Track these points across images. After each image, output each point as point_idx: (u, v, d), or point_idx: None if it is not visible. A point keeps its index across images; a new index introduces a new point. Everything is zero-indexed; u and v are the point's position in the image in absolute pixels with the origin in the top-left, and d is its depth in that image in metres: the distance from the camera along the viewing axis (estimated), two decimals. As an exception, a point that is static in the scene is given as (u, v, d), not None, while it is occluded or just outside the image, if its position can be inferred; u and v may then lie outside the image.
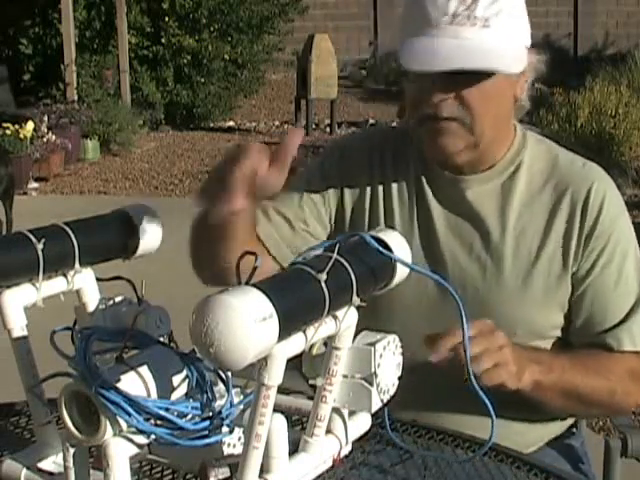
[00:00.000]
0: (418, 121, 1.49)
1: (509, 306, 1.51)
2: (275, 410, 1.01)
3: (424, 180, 1.58)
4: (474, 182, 1.55)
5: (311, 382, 1.13)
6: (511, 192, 1.55)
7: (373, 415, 1.20)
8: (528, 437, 1.56)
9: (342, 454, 1.18)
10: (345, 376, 1.13)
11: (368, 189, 1.60)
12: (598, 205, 1.52)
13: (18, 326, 1.13)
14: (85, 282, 1.20)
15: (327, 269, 1.00)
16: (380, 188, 1.60)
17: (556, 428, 1.63)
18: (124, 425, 0.96)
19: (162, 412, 0.98)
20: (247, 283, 0.94)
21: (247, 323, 0.89)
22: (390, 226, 1.53)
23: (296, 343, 1.00)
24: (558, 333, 1.56)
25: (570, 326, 1.55)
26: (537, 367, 1.41)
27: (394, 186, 1.59)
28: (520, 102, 1.53)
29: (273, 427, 1.03)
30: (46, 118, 8.75)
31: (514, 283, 1.52)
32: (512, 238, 1.53)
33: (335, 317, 1.06)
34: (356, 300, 1.06)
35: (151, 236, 1.25)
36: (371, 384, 1.12)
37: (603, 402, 1.52)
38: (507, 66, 1.44)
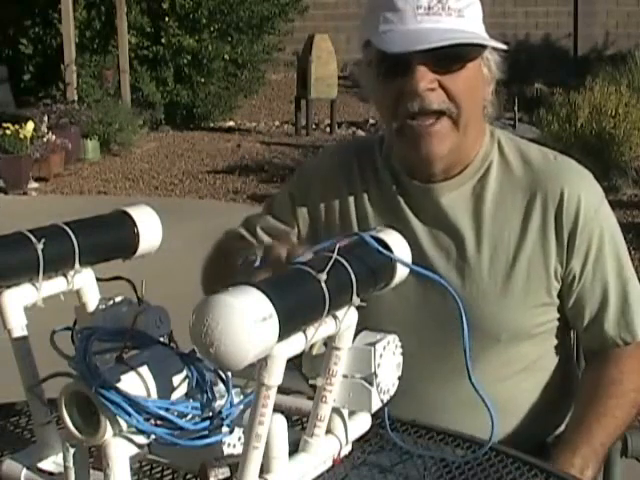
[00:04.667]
0: (400, 125, 1.46)
1: (491, 311, 1.50)
2: (275, 410, 1.01)
3: (396, 191, 1.58)
4: (445, 189, 1.54)
5: (311, 382, 1.13)
6: (483, 195, 1.53)
7: (373, 415, 1.20)
8: (524, 438, 1.55)
9: (342, 454, 1.18)
10: (345, 376, 1.13)
11: (337, 207, 1.60)
12: (575, 201, 1.50)
13: (18, 326, 1.13)
14: (85, 282, 1.20)
15: (327, 269, 1.00)
16: (351, 204, 1.60)
17: (553, 427, 1.63)
18: (124, 425, 0.96)
19: (162, 412, 0.98)
20: (247, 283, 0.95)
21: (247, 323, 0.89)
22: None
23: (296, 343, 1.00)
24: (544, 329, 1.55)
25: (577, 322, 1.56)
26: (589, 470, 1.42)
27: (365, 201, 1.59)
28: (487, 108, 1.54)
29: (273, 427, 1.03)
30: (46, 118, 8.73)
31: (494, 288, 1.51)
32: (488, 242, 1.52)
33: (335, 317, 1.06)
34: (356, 300, 1.06)
35: (151, 236, 1.25)
36: (371, 384, 1.12)
37: (635, 412, 1.54)
38: (486, 43, 1.45)
